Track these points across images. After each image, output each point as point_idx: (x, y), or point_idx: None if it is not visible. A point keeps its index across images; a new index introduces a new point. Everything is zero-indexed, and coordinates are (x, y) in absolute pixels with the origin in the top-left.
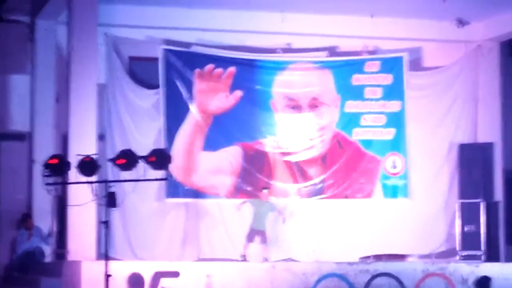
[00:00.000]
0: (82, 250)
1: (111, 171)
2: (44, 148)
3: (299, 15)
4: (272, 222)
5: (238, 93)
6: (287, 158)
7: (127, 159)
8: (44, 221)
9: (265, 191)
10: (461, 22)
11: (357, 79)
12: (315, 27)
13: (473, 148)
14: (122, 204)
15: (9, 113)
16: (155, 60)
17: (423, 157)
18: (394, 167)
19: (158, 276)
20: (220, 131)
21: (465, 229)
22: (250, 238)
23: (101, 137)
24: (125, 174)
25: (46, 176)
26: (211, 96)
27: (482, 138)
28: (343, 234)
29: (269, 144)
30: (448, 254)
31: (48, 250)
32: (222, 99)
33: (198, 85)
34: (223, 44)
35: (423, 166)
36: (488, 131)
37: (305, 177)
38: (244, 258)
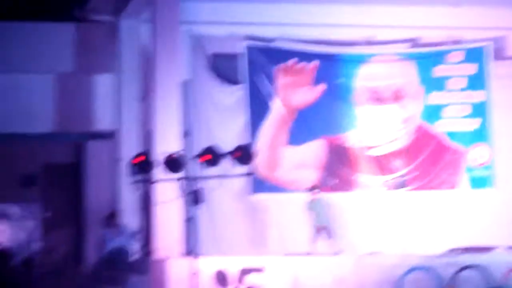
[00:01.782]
0: (169, 247)
1: (195, 168)
2: (129, 146)
3: (381, 7)
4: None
5: (322, 87)
6: (371, 151)
7: (212, 155)
8: (130, 219)
9: (315, 190)
10: None
11: (440, 70)
12: (397, 18)
13: None
14: (207, 200)
15: (94, 113)
16: (237, 56)
17: (509, 147)
18: (480, 157)
19: (244, 272)
20: (303, 126)
21: None
22: (316, 235)
23: (186, 134)
24: (210, 171)
25: (132, 174)
26: (294, 91)
27: None
28: (429, 226)
29: (352, 137)
30: None
31: (135, 248)
32: (306, 93)
33: (281, 79)
34: (305, 39)
35: (509, 156)
36: None
37: (389, 169)
38: (310, 254)
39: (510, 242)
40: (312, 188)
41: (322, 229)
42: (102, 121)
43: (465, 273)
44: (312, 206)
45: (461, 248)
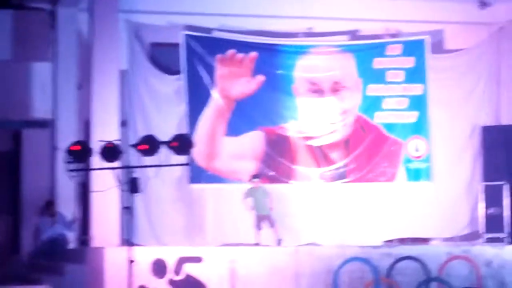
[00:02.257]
0: (106, 236)
1: (133, 157)
2: (66, 135)
3: None
4: (295, 207)
5: (260, 78)
6: (309, 142)
7: (150, 145)
8: (67, 207)
9: (255, 179)
10: (484, 4)
11: (379, 63)
12: (336, 10)
13: (496, 130)
14: (144, 189)
15: (31, 101)
16: (176, 45)
17: (446, 140)
18: (417, 150)
19: (181, 261)
20: (242, 116)
21: (489, 211)
22: (258, 224)
23: (124, 123)
24: (148, 160)
25: (69, 162)
26: (233, 81)
27: (505, 120)
28: (366, 218)
29: (291, 128)
30: (472, 237)
31: (71, 237)
32: (244, 84)
33: (220, 70)
34: (245, 29)
35: (446, 149)
36: (511, 113)
37: (328, 161)
38: (256, 244)
39: (446, 234)
40: (252, 177)
41: (264, 218)
42: (40, 109)
43: (401, 264)
44: (251, 194)
45: (398, 239)
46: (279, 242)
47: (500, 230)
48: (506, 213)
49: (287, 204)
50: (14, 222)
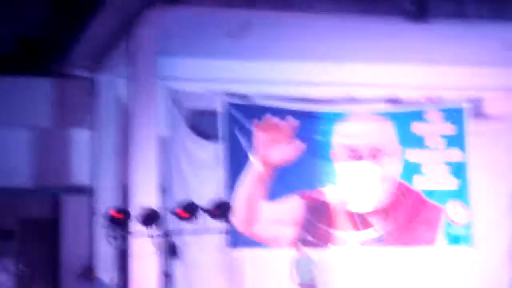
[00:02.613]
0: None
1: (172, 223)
2: (106, 201)
3: (359, 65)
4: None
5: (300, 145)
6: (348, 207)
7: (189, 211)
8: (106, 273)
9: (299, 247)
10: None
11: (418, 128)
12: (375, 77)
13: None
14: (183, 255)
15: (70, 167)
16: (215, 112)
17: (487, 206)
18: (457, 215)
19: None
20: (281, 182)
21: None
22: None
23: (163, 189)
24: (186, 225)
25: (108, 228)
26: (272, 147)
27: None
28: (405, 283)
29: (330, 193)
30: None
31: None
32: (284, 150)
33: (260, 136)
34: (283, 96)
35: (486, 215)
36: None
37: (366, 225)
38: None
39: None
40: (296, 245)
41: (308, 286)
42: (79, 175)
43: None
44: (298, 263)
45: None
46: None
47: None
48: None
49: (326, 269)
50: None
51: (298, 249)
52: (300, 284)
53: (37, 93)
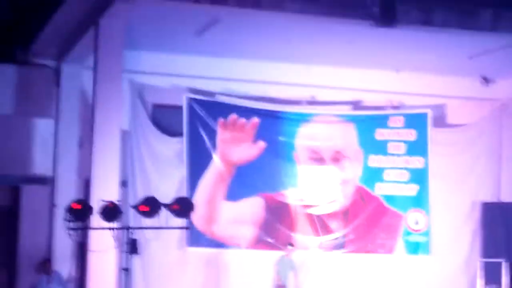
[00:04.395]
0: None
1: (132, 218)
2: (66, 193)
3: (324, 67)
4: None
5: (262, 144)
6: (309, 210)
7: (150, 206)
8: (64, 266)
9: (290, 247)
10: (486, 80)
11: (380, 134)
12: (340, 80)
13: (496, 207)
14: (143, 251)
15: (32, 156)
16: (179, 108)
17: (446, 214)
18: (417, 223)
19: None
20: (242, 182)
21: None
22: None
23: (124, 184)
24: (147, 221)
25: (68, 220)
26: (234, 146)
27: (505, 197)
28: None
29: (291, 196)
30: None
31: None
32: (245, 150)
33: (221, 134)
34: (248, 95)
35: (445, 223)
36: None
37: (327, 230)
38: None
39: None
40: (289, 244)
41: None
42: (40, 165)
43: None
44: (281, 263)
45: None
46: None
47: None
48: None
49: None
50: (10, 278)
51: (287, 250)
52: (276, 285)
53: (0, 80)
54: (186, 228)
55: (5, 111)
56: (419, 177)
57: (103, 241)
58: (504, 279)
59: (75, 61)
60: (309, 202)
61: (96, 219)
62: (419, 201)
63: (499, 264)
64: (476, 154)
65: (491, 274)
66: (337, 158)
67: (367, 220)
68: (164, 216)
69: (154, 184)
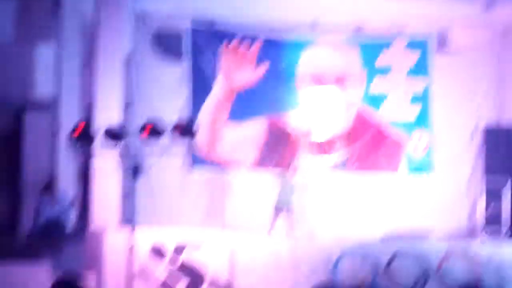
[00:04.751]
0: (106, 219)
1: (136, 141)
2: (69, 117)
3: None
4: (297, 199)
5: (264, 67)
6: (311, 133)
7: (154, 130)
8: (68, 189)
9: (290, 170)
10: (489, 4)
11: (383, 58)
12: (343, 4)
13: (497, 131)
14: (146, 174)
15: (33, 82)
16: (181, 34)
17: (448, 134)
18: (419, 143)
19: (181, 247)
20: (244, 105)
21: (490, 206)
22: (275, 214)
23: (127, 107)
24: (150, 144)
25: (71, 144)
26: (236, 70)
27: (507, 117)
28: (367, 210)
29: (293, 118)
30: (472, 231)
31: (71, 219)
32: (247, 74)
33: (224, 59)
34: (250, 20)
35: (448, 143)
36: None
37: (329, 152)
38: (270, 234)
39: (446, 227)
40: (289, 167)
41: (283, 210)
42: (42, 91)
43: (400, 258)
44: (281, 188)
45: (397, 234)
46: (291, 235)
47: (500, 225)
48: (506, 209)
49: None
50: (14, 203)
51: (287, 173)
52: (276, 208)
53: (1, 8)
54: (189, 150)
55: (6, 39)
56: (422, 99)
57: (106, 164)
58: (506, 197)
59: None
60: (311, 126)
61: (99, 143)
62: (422, 121)
63: (503, 182)
64: (479, 77)
65: (493, 192)
66: (340, 82)
67: (370, 141)
68: (167, 139)
69: (157, 107)
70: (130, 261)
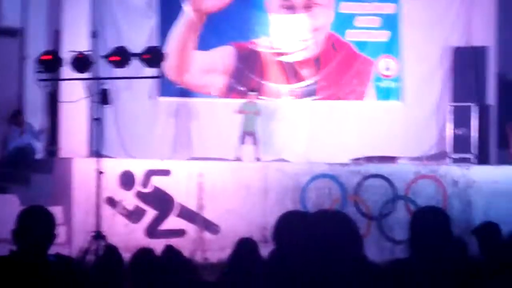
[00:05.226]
0: (74, 147)
1: (103, 68)
2: (36, 44)
3: None
4: (263, 123)
5: None
6: (280, 58)
7: (121, 56)
8: (35, 117)
9: (252, 93)
10: None
11: None
12: None
13: (467, 51)
14: (114, 101)
15: (1, 10)
16: None
17: (417, 60)
18: (387, 69)
19: (149, 174)
20: (213, 31)
21: (457, 132)
22: (241, 140)
23: (94, 34)
24: (118, 71)
25: (38, 72)
26: None
27: (476, 42)
28: (335, 135)
29: (262, 44)
30: (439, 157)
31: (39, 147)
32: None
33: None
34: None
35: (416, 69)
36: (483, 35)
37: (298, 77)
38: (237, 159)
39: (414, 154)
40: (249, 91)
41: (249, 135)
42: (9, 17)
43: (368, 182)
44: (246, 108)
45: (366, 157)
46: (257, 161)
47: (467, 151)
48: (473, 134)
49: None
50: None
51: (250, 97)
52: (243, 131)
53: None
54: (157, 77)
55: None
56: (391, 23)
57: (74, 92)
58: (473, 123)
59: None
60: (280, 50)
61: (66, 70)
62: (391, 47)
63: (469, 108)
64: (448, 1)
65: (461, 118)
66: (308, 5)
67: (338, 67)
68: (135, 66)
69: (125, 34)
70: (98, 189)
